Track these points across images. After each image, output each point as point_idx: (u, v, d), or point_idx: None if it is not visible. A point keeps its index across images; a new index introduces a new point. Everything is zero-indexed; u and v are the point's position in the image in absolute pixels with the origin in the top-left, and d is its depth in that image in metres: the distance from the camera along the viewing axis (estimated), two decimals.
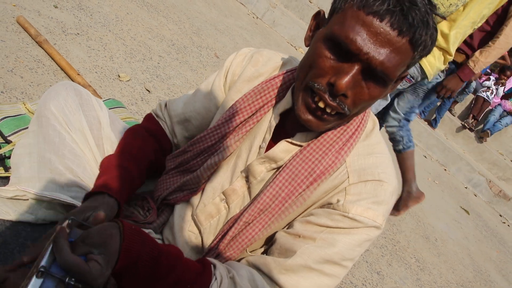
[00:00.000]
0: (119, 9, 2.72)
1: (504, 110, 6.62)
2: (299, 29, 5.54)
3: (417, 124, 5.85)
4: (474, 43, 2.30)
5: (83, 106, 0.97)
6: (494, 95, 6.72)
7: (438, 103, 6.29)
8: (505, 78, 6.69)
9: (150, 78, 2.24)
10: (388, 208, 0.80)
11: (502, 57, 6.34)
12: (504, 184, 6.14)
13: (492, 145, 6.80)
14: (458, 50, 2.28)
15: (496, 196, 5.59)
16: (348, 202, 0.77)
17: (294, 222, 0.83)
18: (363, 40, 0.64)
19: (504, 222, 5.33)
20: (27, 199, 0.97)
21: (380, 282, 2.12)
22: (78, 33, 2.11)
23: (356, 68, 0.67)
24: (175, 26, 3.17)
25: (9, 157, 1.06)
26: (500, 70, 6.83)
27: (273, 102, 0.87)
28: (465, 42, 2.28)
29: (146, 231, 0.89)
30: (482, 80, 6.92)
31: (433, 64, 2.12)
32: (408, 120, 2.47)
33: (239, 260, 0.86)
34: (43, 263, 0.54)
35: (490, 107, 6.79)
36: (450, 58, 2.13)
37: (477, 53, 2.24)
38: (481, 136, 6.45)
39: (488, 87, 6.73)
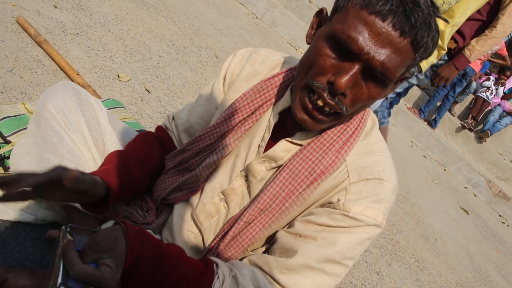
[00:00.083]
0: (118, 9, 2.72)
1: (504, 111, 6.62)
2: (299, 30, 5.54)
3: (417, 124, 5.85)
4: (464, 32, 2.30)
5: (81, 106, 0.97)
6: (494, 95, 6.71)
7: (438, 103, 6.29)
8: (505, 78, 6.69)
9: (150, 78, 2.24)
10: (389, 206, 0.80)
11: (502, 58, 6.34)
12: (503, 184, 6.14)
13: (492, 145, 6.80)
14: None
15: (496, 196, 5.59)
16: (349, 201, 0.77)
17: (295, 221, 0.83)
18: (364, 40, 0.64)
19: (504, 222, 5.33)
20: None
21: (380, 282, 2.12)
22: (77, 33, 2.11)
23: (356, 67, 0.67)
24: (175, 26, 3.17)
25: (8, 157, 1.06)
26: (500, 70, 6.83)
27: (273, 100, 0.87)
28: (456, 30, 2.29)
29: None
30: (481, 81, 6.92)
31: (429, 60, 2.13)
32: (387, 99, 2.50)
33: (240, 260, 0.86)
34: (59, 280, 0.55)
35: (489, 107, 6.79)
36: (443, 52, 2.14)
37: (473, 42, 2.24)
38: (481, 136, 6.45)
39: (488, 87, 6.72)
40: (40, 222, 1.02)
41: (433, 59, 2.15)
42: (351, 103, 0.71)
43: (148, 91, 2.11)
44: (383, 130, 2.46)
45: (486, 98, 6.68)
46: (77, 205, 0.90)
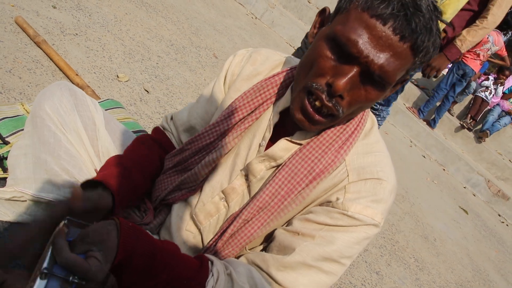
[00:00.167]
0: (117, 10, 2.72)
1: (503, 110, 6.62)
2: (298, 30, 5.54)
3: (416, 124, 5.86)
4: (454, 22, 2.31)
5: (78, 106, 0.97)
6: (493, 95, 6.72)
7: (438, 103, 6.30)
8: (504, 77, 6.69)
9: (149, 78, 2.23)
10: (387, 206, 0.80)
11: (502, 59, 6.34)
12: (502, 184, 6.14)
13: (491, 145, 6.81)
14: None
15: (495, 195, 5.60)
16: (348, 200, 0.77)
17: (293, 219, 0.83)
18: (364, 43, 0.64)
19: (503, 222, 5.34)
20: (25, 200, 0.97)
21: (379, 282, 2.12)
22: (76, 34, 2.11)
23: (355, 70, 0.67)
24: (174, 27, 3.17)
25: (7, 158, 1.06)
26: (499, 70, 6.83)
27: (273, 99, 0.88)
28: None
29: None
30: (480, 80, 6.92)
31: None
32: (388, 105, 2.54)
33: (238, 257, 0.86)
34: (45, 264, 0.55)
35: (488, 107, 6.79)
36: None
37: (464, 32, 2.25)
38: (480, 136, 6.45)
39: (487, 87, 6.73)
40: None
41: None
42: (348, 105, 0.71)
43: (147, 91, 2.11)
44: None
45: (485, 98, 6.69)
46: None
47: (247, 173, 0.86)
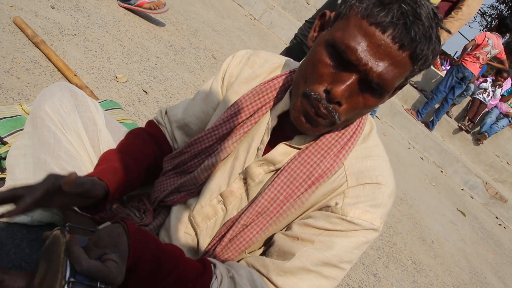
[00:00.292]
0: (116, 10, 2.71)
1: (501, 112, 6.64)
2: (297, 31, 5.54)
3: (414, 126, 5.87)
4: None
5: (78, 107, 0.97)
6: (491, 97, 6.74)
7: (437, 106, 6.31)
8: (502, 80, 6.72)
9: (148, 79, 2.23)
10: (386, 210, 0.80)
11: (501, 62, 6.35)
12: (500, 186, 6.16)
13: (489, 147, 6.83)
14: None
15: (493, 198, 5.61)
16: (347, 205, 0.77)
17: (293, 224, 0.83)
18: (363, 51, 0.64)
19: (500, 224, 5.35)
20: None
21: (377, 284, 2.12)
22: (75, 34, 2.11)
23: (353, 77, 0.67)
24: (173, 27, 3.17)
25: (5, 158, 1.06)
26: (497, 72, 6.86)
27: (271, 103, 0.88)
28: None
29: None
30: (479, 83, 6.95)
31: None
32: None
33: (237, 262, 0.86)
34: (68, 274, 0.55)
35: (486, 109, 6.81)
36: None
37: None
38: (478, 138, 6.47)
39: (485, 89, 6.75)
40: (36, 223, 1.02)
41: None
42: (346, 112, 0.71)
43: (146, 92, 2.11)
44: None
45: (483, 100, 6.71)
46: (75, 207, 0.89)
47: (245, 176, 0.86)
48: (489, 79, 6.91)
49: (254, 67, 0.93)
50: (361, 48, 0.64)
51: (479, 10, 19.28)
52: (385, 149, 0.88)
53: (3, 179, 1.02)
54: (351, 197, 0.78)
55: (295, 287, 0.76)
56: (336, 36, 0.67)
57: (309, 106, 0.72)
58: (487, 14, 20.18)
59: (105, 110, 1.45)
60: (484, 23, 20.33)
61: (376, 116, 5.48)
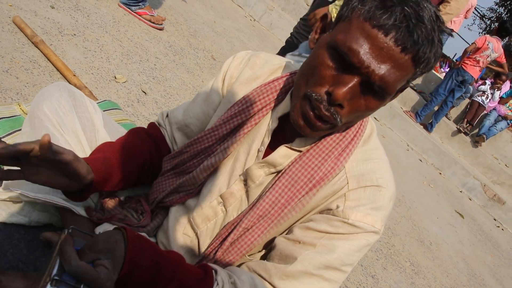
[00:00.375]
0: (116, 10, 2.71)
1: (499, 115, 6.65)
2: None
3: (413, 128, 5.87)
4: None
5: (76, 107, 0.97)
6: (490, 100, 6.75)
7: (436, 108, 6.32)
8: (501, 82, 6.73)
9: (147, 79, 2.23)
10: (387, 213, 0.80)
11: (500, 66, 6.37)
12: (498, 188, 6.17)
13: (487, 149, 6.84)
14: None
15: (491, 200, 5.62)
16: (348, 208, 0.77)
17: (294, 227, 0.83)
18: (365, 54, 0.64)
19: (498, 226, 5.35)
20: (21, 201, 0.96)
21: (375, 286, 2.12)
22: (74, 34, 2.10)
23: (355, 80, 0.67)
24: (172, 28, 3.17)
25: None
26: (496, 75, 6.87)
27: (272, 105, 0.87)
28: None
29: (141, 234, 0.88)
30: (477, 85, 6.96)
31: None
32: None
33: (239, 266, 0.86)
34: (55, 271, 0.55)
35: (485, 112, 6.82)
36: None
37: None
38: (477, 140, 6.48)
39: (484, 92, 6.76)
40: (34, 224, 1.01)
41: None
42: (348, 115, 0.71)
43: (145, 93, 2.11)
44: None
45: (481, 102, 6.72)
46: (69, 205, 0.89)
47: (246, 178, 0.86)
48: (488, 82, 6.93)
49: (254, 68, 0.93)
50: (364, 50, 0.64)
51: (478, 12, 19.34)
52: (384, 150, 0.88)
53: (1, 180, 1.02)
54: (352, 200, 0.78)
55: None
56: (338, 38, 0.67)
57: (308, 108, 0.72)
58: (486, 17, 20.23)
59: (104, 111, 1.45)
60: (483, 25, 20.38)
61: (375, 118, 5.49)
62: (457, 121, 7.15)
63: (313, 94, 0.70)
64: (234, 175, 0.88)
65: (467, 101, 6.95)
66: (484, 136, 6.42)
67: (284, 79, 0.88)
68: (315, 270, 0.76)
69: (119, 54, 2.24)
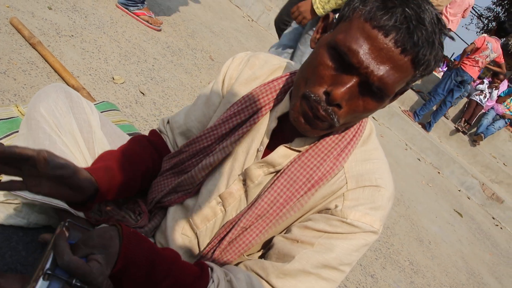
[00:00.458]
0: (113, 11, 2.71)
1: (497, 114, 6.66)
2: None
3: (411, 127, 5.88)
4: None
5: (73, 108, 0.97)
6: (488, 99, 6.76)
7: (434, 108, 6.33)
8: (499, 81, 6.74)
9: (145, 80, 2.23)
10: (385, 213, 0.80)
11: (499, 66, 6.38)
12: (497, 187, 6.18)
13: (485, 148, 6.85)
14: None
15: (489, 199, 5.63)
16: (346, 208, 0.77)
17: (292, 227, 0.83)
18: (364, 54, 0.64)
19: (497, 225, 5.36)
20: (19, 203, 0.96)
21: (374, 285, 2.12)
22: (72, 35, 2.10)
23: (354, 80, 0.67)
24: (170, 29, 3.17)
25: None
26: (493, 74, 6.88)
27: (271, 105, 0.87)
28: None
29: None
30: (475, 84, 6.97)
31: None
32: None
33: (236, 265, 0.86)
34: (47, 265, 0.56)
35: (483, 111, 6.84)
36: None
37: None
38: (475, 139, 6.49)
39: (482, 91, 6.78)
40: (32, 226, 1.01)
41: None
42: (346, 115, 0.71)
43: (143, 94, 2.10)
44: None
45: (479, 101, 6.73)
46: (67, 207, 0.89)
47: (245, 178, 0.86)
48: (486, 81, 6.94)
49: (253, 68, 0.93)
50: (363, 51, 0.64)
51: (476, 12, 19.37)
52: (382, 150, 0.88)
53: None
54: (351, 199, 0.78)
55: None
56: (338, 38, 0.67)
57: (308, 107, 0.72)
58: (483, 16, 20.27)
59: (102, 112, 1.45)
60: (481, 25, 20.41)
61: (373, 117, 5.49)
62: (455, 120, 7.16)
63: (312, 95, 0.70)
64: (233, 175, 0.88)
65: (465, 100, 6.96)
66: (482, 135, 6.43)
67: (284, 79, 0.88)
68: (312, 269, 0.76)
69: (117, 55, 2.24)
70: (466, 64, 5.73)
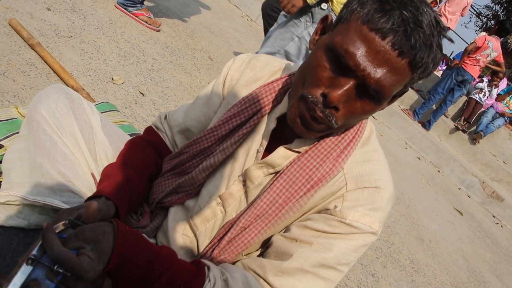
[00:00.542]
0: (112, 12, 2.71)
1: (497, 112, 6.67)
2: None
3: (411, 126, 5.88)
4: None
5: (74, 109, 0.96)
6: (487, 97, 6.77)
7: (434, 107, 6.33)
8: (498, 80, 6.75)
9: (144, 81, 2.23)
10: (385, 214, 0.80)
11: (498, 65, 6.38)
12: (497, 185, 6.18)
13: (485, 146, 6.86)
14: None
15: (489, 197, 5.63)
16: (346, 208, 0.77)
17: (291, 226, 0.83)
18: (361, 57, 0.64)
19: (497, 223, 5.37)
20: (20, 205, 0.96)
21: (375, 284, 2.13)
22: (71, 36, 2.10)
23: (351, 83, 0.67)
24: (169, 29, 3.16)
25: (1, 162, 1.05)
26: (493, 72, 6.89)
27: (271, 106, 0.88)
28: None
29: None
30: (475, 83, 6.98)
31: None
32: None
33: (234, 263, 0.86)
34: (34, 252, 0.56)
35: (482, 109, 6.84)
36: None
37: None
38: (474, 138, 6.49)
39: (481, 89, 6.78)
40: (33, 227, 1.01)
41: None
42: (343, 117, 0.71)
43: (142, 94, 2.10)
44: None
45: (478, 100, 6.73)
46: (68, 207, 0.89)
47: (244, 179, 0.86)
48: (485, 80, 6.94)
49: (254, 70, 0.94)
50: (360, 53, 0.64)
51: (475, 10, 19.38)
52: (382, 149, 0.88)
53: None
54: (350, 200, 0.78)
55: None
56: (336, 40, 0.67)
57: (305, 108, 0.72)
58: (482, 14, 20.28)
59: (102, 113, 1.45)
60: (480, 23, 20.43)
61: (372, 116, 5.49)
62: (455, 118, 7.17)
63: (309, 96, 0.70)
64: (233, 175, 0.88)
65: (464, 98, 6.97)
66: (482, 133, 6.44)
67: (283, 80, 0.88)
68: (310, 268, 0.76)
69: (116, 56, 2.24)
70: (467, 63, 5.73)
